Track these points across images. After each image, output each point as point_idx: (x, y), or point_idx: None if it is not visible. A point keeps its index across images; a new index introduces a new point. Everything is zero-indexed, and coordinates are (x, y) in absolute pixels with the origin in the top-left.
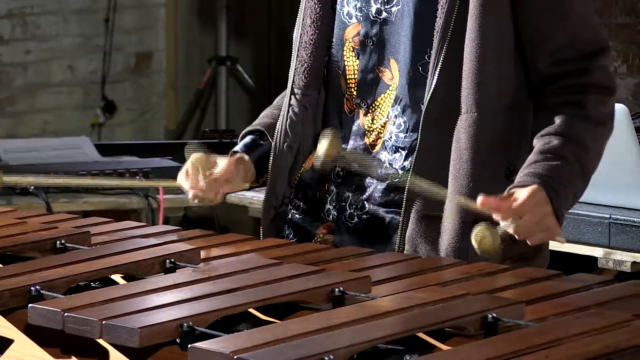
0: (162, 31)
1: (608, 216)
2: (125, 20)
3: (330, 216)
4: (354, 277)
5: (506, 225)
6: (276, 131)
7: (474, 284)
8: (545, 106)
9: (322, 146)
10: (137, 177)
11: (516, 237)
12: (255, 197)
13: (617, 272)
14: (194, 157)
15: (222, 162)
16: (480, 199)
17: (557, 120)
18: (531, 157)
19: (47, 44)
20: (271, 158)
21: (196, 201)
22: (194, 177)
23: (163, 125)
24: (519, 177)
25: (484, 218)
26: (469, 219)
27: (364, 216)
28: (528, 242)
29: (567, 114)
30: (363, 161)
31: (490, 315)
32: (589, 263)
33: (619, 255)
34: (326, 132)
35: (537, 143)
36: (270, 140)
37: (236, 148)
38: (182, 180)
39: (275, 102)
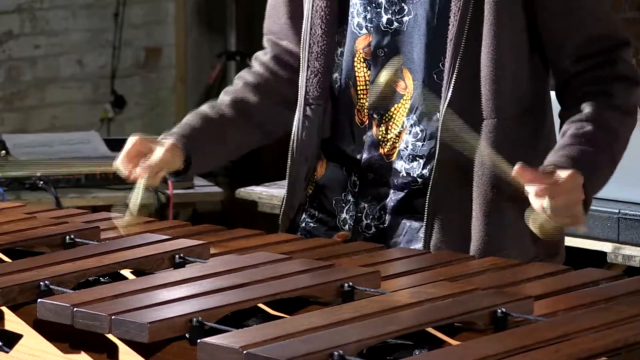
0: (171, 26)
1: (617, 211)
2: (134, 14)
3: (347, 226)
4: (363, 272)
5: (537, 202)
6: (292, 142)
7: (483, 279)
8: (574, 98)
9: (385, 75)
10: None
11: (541, 215)
12: (265, 192)
13: (626, 267)
14: (131, 142)
15: (159, 150)
16: (517, 167)
17: (588, 108)
18: (566, 140)
19: (56, 38)
20: (288, 169)
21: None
22: (131, 164)
23: (172, 120)
24: (555, 157)
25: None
26: (500, 223)
27: (381, 226)
28: (552, 222)
29: (597, 102)
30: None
31: (499, 310)
32: (598, 258)
33: (628, 250)
34: (394, 60)
35: (570, 127)
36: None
37: (171, 133)
38: (120, 165)
39: (203, 109)
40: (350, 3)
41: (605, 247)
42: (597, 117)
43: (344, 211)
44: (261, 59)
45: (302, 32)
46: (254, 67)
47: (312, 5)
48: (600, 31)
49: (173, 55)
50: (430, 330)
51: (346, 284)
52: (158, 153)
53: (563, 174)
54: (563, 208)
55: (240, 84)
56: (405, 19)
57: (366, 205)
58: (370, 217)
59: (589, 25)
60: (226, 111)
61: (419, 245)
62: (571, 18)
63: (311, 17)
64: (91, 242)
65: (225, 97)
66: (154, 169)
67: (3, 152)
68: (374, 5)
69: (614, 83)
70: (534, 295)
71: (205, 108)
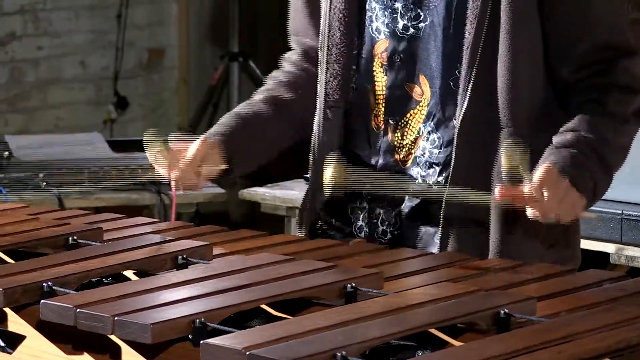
0: (174, 27)
1: (620, 212)
2: (137, 16)
3: (362, 233)
4: (366, 273)
5: (532, 212)
6: (312, 145)
7: (486, 280)
8: (568, 107)
9: (328, 174)
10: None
11: (541, 219)
12: (268, 194)
13: (629, 268)
14: (173, 145)
15: (193, 145)
16: (497, 191)
17: (576, 117)
18: (547, 151)
19: (59, 40)
20: (310, 174)
21: (181, 188)
22: (170, 163)
23: (175, 122)
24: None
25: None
26: (517, 230)
27: (397, 232)
28: (560, 222)
29: (587, 111)
30: (377, 180)
31: (502, 311)
32: (601, 259)
33: (631, 251)
34: (330, 159)
35: (554, 140)
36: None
37: (209, 133)
38: (161, 169)
39: (239, 109)
40: (368, 7)
41: (608, 248)
42: (583, 124)
43: (360, 218)
44: (290, 59)
45: (320, 34)
46: (285, 67)
47: (330, 7)
48: (608, 40)
49: (176, 56)
50: (433, 331)
51: (349, 285)
52: (193, 147)
53: (536, 173)
54: (556, 202)
55: (272, 82)
56: (421, 25)
57: (381, 211)
58: (386, 223)
59: (597, 33)
60: (261, 108)
61: (435, 251)
62: (581, 24)
63: (329, 19)
64: (94, 243)
65: (259, 96)
66: (193, 163)
67: (6, 153)
68: (390, 10)
69: (610, 92)
70: (536, 296)
71: (239, 108)
